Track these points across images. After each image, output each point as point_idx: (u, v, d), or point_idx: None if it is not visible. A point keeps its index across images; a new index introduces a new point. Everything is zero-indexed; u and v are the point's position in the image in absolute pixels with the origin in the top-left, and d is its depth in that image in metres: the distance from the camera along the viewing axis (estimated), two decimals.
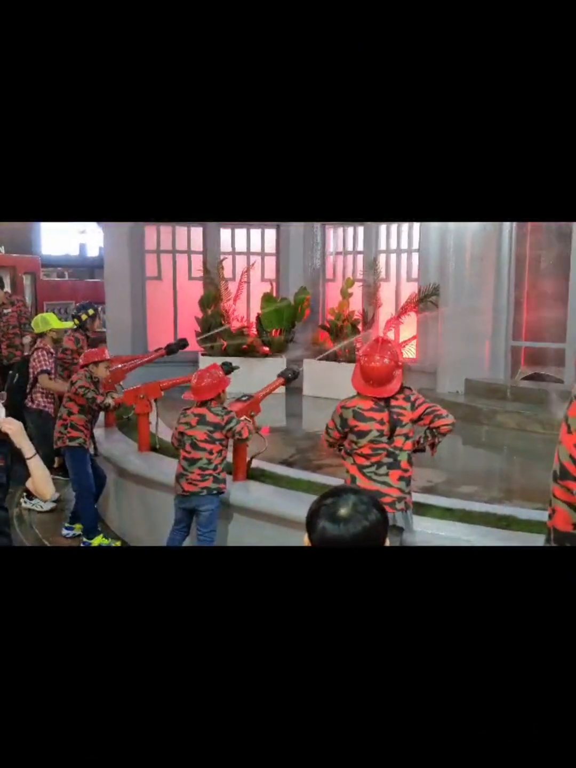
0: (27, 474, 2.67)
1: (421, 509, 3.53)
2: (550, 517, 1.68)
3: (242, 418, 4.07)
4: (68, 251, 19.38)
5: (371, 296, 8.20)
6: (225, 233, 8.93)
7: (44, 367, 5.66)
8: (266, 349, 8.34)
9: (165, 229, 8.81)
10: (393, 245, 8.31)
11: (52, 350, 5.84)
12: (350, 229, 8.72)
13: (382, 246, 8.37)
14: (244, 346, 8.15)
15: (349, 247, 8.76)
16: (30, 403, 5.74)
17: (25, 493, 5.64)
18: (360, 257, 8.53)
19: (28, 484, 2.70)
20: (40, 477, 2.65)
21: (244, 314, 8.86)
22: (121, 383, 5.59)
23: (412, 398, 3.25)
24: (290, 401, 7.33)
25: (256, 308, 8.68)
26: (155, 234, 8.81)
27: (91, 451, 5.07)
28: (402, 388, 3.25)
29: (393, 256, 8.34)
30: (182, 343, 6.53)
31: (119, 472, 5.14)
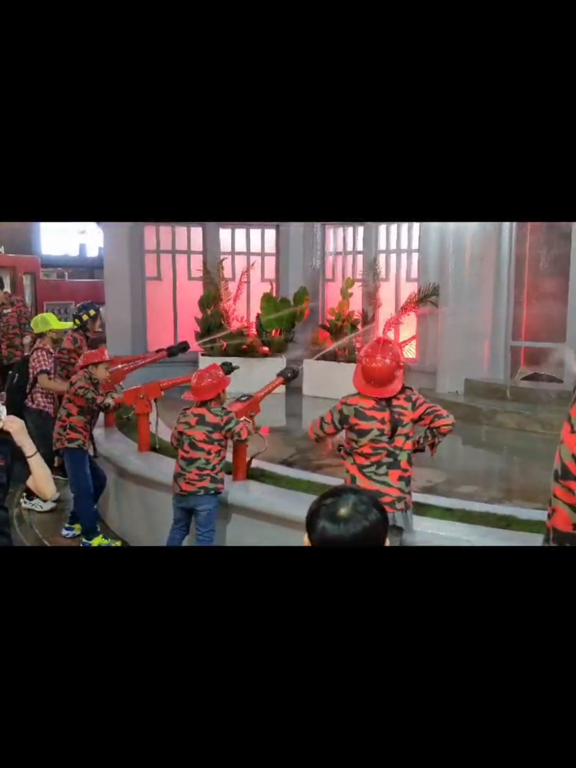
0: (27, 473, 2.67)
1: (421, 509, 3.53)
2: (549, 516, 1.68)
3: (242, 418, 4.07)
4: (68, 251, 19.36)
5: (371, 296, 8.20)
6: (225, 233, 8.93)
7: (44, 367, 5.66)
8: (266, 349, 8.34)
9: (165, 229, 8.81)
10: (393, 245, 8.31)
11: (51, 350, 5.85)
12: (350, 229, 8.72)
13: (382, 246, 8.37)
14: (244, 347, 8.15)
15: (349, 247, 8.76)
16: (30, 403, 5.74)
17: (25, 493, 5.64)
18: (360, 257, 8.54)
19: (29, 482, 2.70)
20: (41, 475, 2.65)
21: (244, 314, 8.86)
22: (121, 383, 5.59)
23: (414, 398, 3.25)
24: (290, 401, 7.33)
25: (255, 308, 8.68)
26: (155, 234, 8.81)
27: (90, 452, 5.07)
28: (403, 389, 3.25)
29: (393, 256, 8.34)
30: (183, 346, 6.53)
31: (119, 472, 5.14)
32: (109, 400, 4.96)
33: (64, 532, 5.17)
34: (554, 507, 1.63)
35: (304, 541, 1.43)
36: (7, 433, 2.59)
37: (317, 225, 8.77)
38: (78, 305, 6.62)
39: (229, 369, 4.73)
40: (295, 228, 8.87)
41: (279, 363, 8.10)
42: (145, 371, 5.95)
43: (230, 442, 4.13)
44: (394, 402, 3.21)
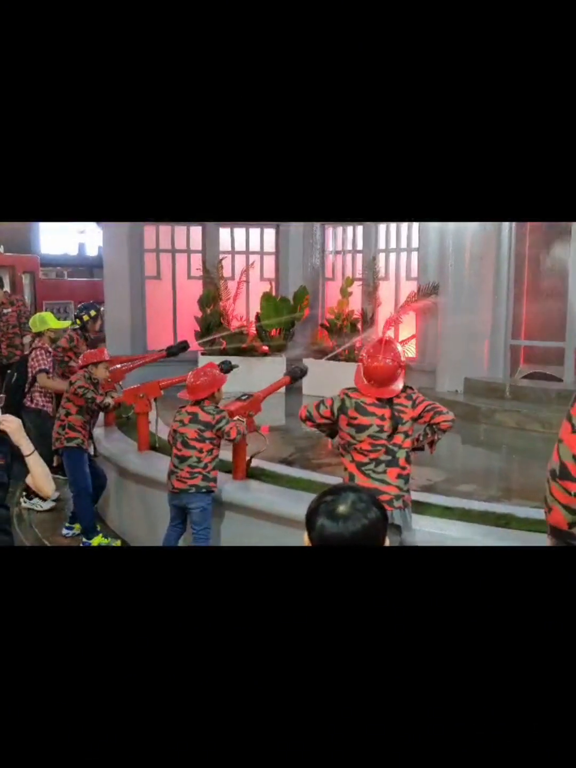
0: (27, 472, 2.68)
1: (421, 508, 3.54)
2: (546, 514, 1.68)
3: (235, 418, 4.06)
4: (67, 250, 19.37)
5: (370, 295, 8.20)
6: (224, 232, 8.93)
7: (43, 367, 5.66)
8: (266, 348, 8.34)
9: (164, 228, 8.81)
10: (392, 244, 8.31)
11: (50, 349, 5.84)
12: (349, 228, 8.72)
13: (382, 245, 8.37)
14: (244, 346, 8.15)
15: (349, 246, 8.76)
16: (29, 403, 5.73)
17: (24, 492, 5.64)
18: (359, 256, 8.54)
19: (28, 480, 2.70)
20: (39, 474, 2.65)
21: (244, 313, 8.86)
22: (120, 383, 5.59)
23: (414, 397, 3.25)
24: (290, 400, 7.33)
25: (255, 308, 8.68)
26: (154, 233, 8.81)
27: (90, 451, 5.07)
28: (404, 388, 3.25)
29: (392, 255, 8.34)
30: (183, 346, 6.53)
31: (119, 471, 5.14)
32: (108, 400, 4.96)
33: (64, 531, 5.17)
34: (550, 505, 1.63)
35: (304, 539, 1.44)
36: (5, 433, 2.59)
37: (317, 224, 8.77)
38: (79, 305, 6.63)
39: (227, 367, 4.73)
40: (295, 227, 8.86)
41: (279, 362, 8.12)
42: (145, 371, 5.96)
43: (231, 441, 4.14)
44: (395, 400, 3.21)
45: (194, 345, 7.90)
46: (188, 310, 8.75)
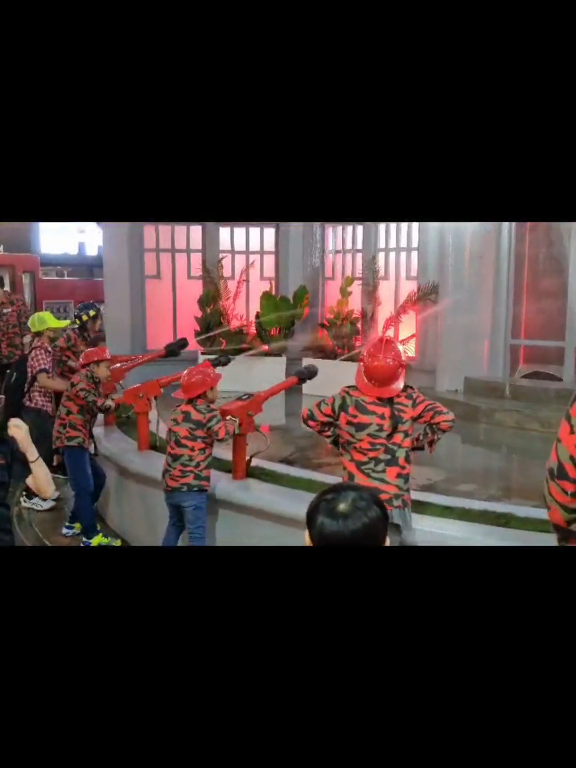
0: (27, 472, 2.69)
1: (421, 507, 3.54)
2: (548, 512, 1.69)
3: (227, 417, 4.07)
4: (67, 250, 19.37)
5: (370, 295, 8.20)
6: (224, 232, 8.92)
7: (42, 366, 5.66)
8: (266, 347, 8.34)
9: (164, 228, 8.81)
10: (392, 243, 8.31)
11: (49, 349, 5.84)
12: (349, 228, 8.72)
13: (381, 244, 8.37)
14: (244, 345, 8.15)
15: (349, 246, 8.76)
16: (28, 402, 5.74)
17: (24, 492, 5.64)
18: (359, 256, 8.54)
19: (29, 481, 2.71)
20: (42, 478, 2.68)
21: (244, 313, 8.86)
22: (120, 383, 5.60)
23: (414, 396, 3.25)
24: (290, 400, 7.33)
25: (255, 307, 8.68)
26: (154, 233, 8.81)
27: (91, 450, 5.08)
28: (404, 387, 3.26)
29: (392, 255, 8.34)
30: (182, 343, 6.53)
31: (119, 470, 5.15)
32: (109, 403, 4.97)
33: (64, 531, 5.17)
34: (549, 504, 1.64)
35: (305, 538, 1.44)
36: (13, 439, 2.61)
37: (316, 224, 8.77)
38: (78, 305, 6.63)
39: (225, 361, 4.75)
40: (295, 227, 8.86)
41: (279, 362, 8.12)
42: (146, 370, 5.96)
43: (231, 440, 4.14)
44: (395, 399, 3.22)
45: (194, 344, 7.91)
46: (188, 309, 8.75)
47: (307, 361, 8.04)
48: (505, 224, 7.00)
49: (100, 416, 5.50)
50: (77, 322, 6.35)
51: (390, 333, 7.81)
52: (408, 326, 8.05)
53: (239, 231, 9.00)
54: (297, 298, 8.51)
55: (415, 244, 8.04)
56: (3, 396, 6.05)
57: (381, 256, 8.33)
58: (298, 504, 3.56)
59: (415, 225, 7.96)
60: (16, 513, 5.59)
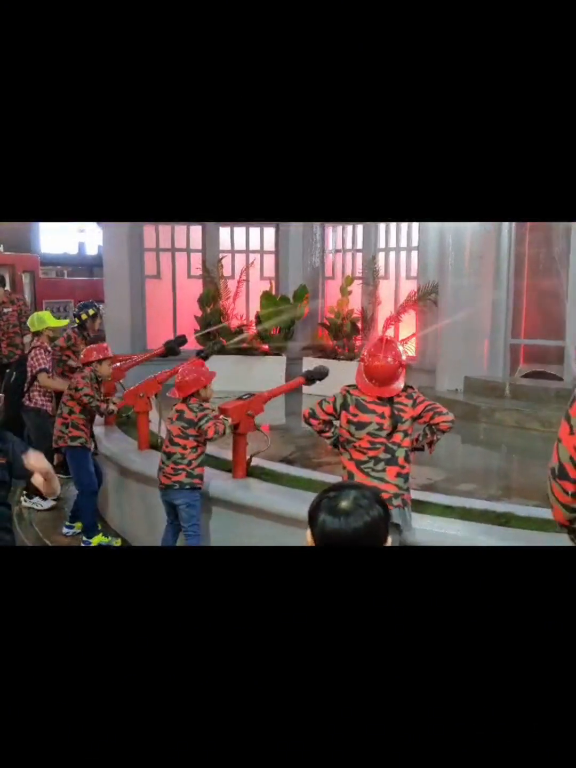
0: (29, 473, 2.69)
1: (421, 507, 3.54)
2: (552, 510, 1.70)
3: (220, 417, 4.07)
4: (67, 250, 19.37)
5: (370, 294, 8.20)
6: (224, 232, 8.93)
7: (42, 366, 5.66)
8: (266, 347, 8.35)
9: (164, 227, 8.81)
10: (392, 243, 8.32)
11: (49, 349, 5.84)
12: (349, 227, 8.72)
13: (382, 244, 8.37)
14: (244, 345, 8.15)
15: (349, 245, 8.76)
16: (28, 402, 5.73)
17: (24, 492, 5.65)
18: (359, 255, 8.54)
19: (34, 479, 2.71)
20: (52, 489, 2.69)
21: (244, 312, 8.86)
22: (121, 382, 5.59)
23: (414, 396, 3.26)
24: (290, 400, 7.32)
25: (255, 307, 8.68)
26: (154, 232, 8.81)
27: (92, 448, 5.08)
28: (405, 387, 3.26)
29: (392, 254, 8.34)
30: (181, 340, 6.52)
31: (119, 470, 5.15)
32: (112, 407, 4.97)
33: (65, 530, 5.17)
34: (552, 503, 1.65)
35: (307, 536, 1.44)
36: (8, 431, 2.62)
37: (316, 223, 8.76)
38: (78, 304, 6.63)
39: (206, 353, 4.76)
40: (295, 226, 8.86)
41: (279, 361, 8.13)
42: (146, 369, 5.95)
43: (232, 438, 4.15)
44: (395, 399, 3.22)
45: (195, 344, 7.91)
46: (188, 309, 8.75)
47: (307, 361, 8.07)
48: (505, 224, 7.00)
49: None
50: (77, 321, 6.35)
51: (390, 332, 7.82)
52: (408, 326, 8.05)
53: (239, 231, 9.00)
54: (297, 297, 8.51)
55: (415, 243, 8.05)
56: (3, 395, 6.05)
57: (381, 255, 8.33)
58: (299, 503, 3.56)
59: (415, 225, 7.96)
60: (17, 512, 5.59)
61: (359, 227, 8.54)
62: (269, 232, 9.05)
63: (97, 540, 4.85)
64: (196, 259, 8.90)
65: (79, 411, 4.85)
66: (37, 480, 2.67)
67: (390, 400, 3.21)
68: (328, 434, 3.37)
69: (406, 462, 3.24)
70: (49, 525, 5.39)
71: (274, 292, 8.76)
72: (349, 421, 3.22)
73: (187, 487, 4.00)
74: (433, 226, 7.43)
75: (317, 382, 4.44)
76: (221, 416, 4.07)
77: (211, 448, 4.63)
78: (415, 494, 3.50)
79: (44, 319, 5.88)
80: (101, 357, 4.91)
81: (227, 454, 4.39)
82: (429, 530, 3.34)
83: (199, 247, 8.94)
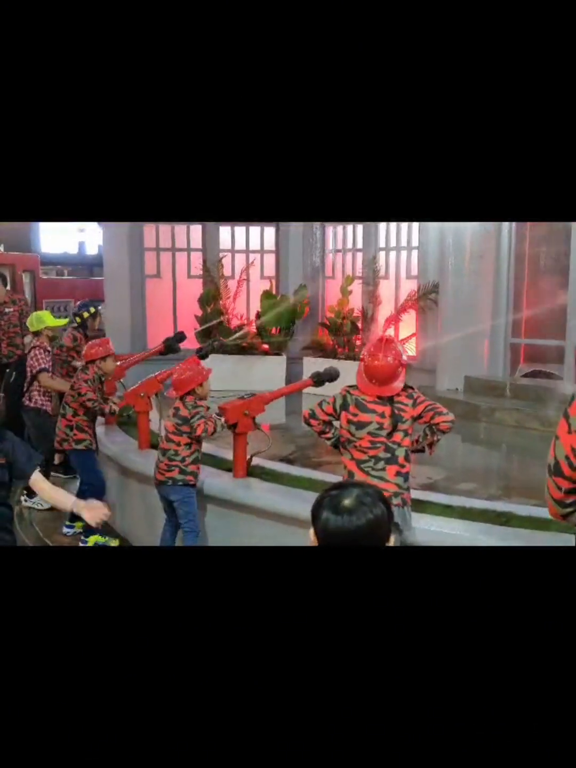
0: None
1: (421, 506, 3.54)
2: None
3: (213, 415, 4.10)
4: (67, 249, 19.36)
5: (371, 294, 8.20)
6: (224, 231, 8.93)
7: (42, 366, 5.65)
8: (266, 346, 8.35)
9: (164, 227, 8.81)
10: (392, 243, 8.31)
11: (48, 348, 5.83)
12: (350, 227, 8.72)
13: (382, 243, 8.36)
14: (244, 344, 8.15)
15: (349, 245, 8.76)
16: (27, 402, 5.73)
17: (25, 491, 5.65)
18: (359, 255, 8.53)
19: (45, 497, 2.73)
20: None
21: (244, 312, 8.86)
22: (121, 380, 5.59)
23: (414, 396, 3.26)
24: (290, 399, 7.33)
25: (255, 306, 8.68)
26: (154, 232, 8.81)
27: (96, 448, 5.08)
28: (404, 387, 3.26)
29: (392, 254, 8.33)
30: (180, 337, 6.51)
31: (120, 470, 5.15)
32: (113, 407, 4.97)
33: (65, 530, 5.17)
34: (546, 498, 1.67)
35: (310, 534, 1.44)
36: (8, 431, 2.63)
37: (317, 223, 8.76)
38: (78, 304, 6.63)
39: (205, 352, 4.78)
40: (295, 226, 8.86)
41: (279, 361, 8.13)
42: (147, 368, 5.95)
43: (232, 437, 4.15)
44: (396, 399, 3.23)
45: (194, 342, 7.91)
46: (188, 308, 8.75)
47: (308, 360, 8.07)
48: (505, 224, 7.00)
49: None
50: (78, 320, 6.34)
51: (390, 332, 7.82)
52: (408, 325, 8.05)
53: (239, 230, 9.00)
54: (297, 297, 8.51)
55: (415, 243, 8.04)
56: (2, 394, 6.05)
57: (381, 255, 8.33)
58: (299, 503, 3.56)
59: (415, 224, 7.96)
60: (17, 512, 5.59)
61: (359, 227, 8.53)
62: (269, 231, 9.05)
63: (94, 539, 4.84)
64: (197, 258, 8.90)
65: (82, 413, 4.85)
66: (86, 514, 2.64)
67: (390, 400, 3.21)
68: (329, 435, 3.37)
69: (406, 461, 3.24)
70: (49, 525, 5.39)
71: (274, 292, 8.76)
72: (349, 421, 3.22)
73: (180, 483, 4.04)
74: (434, 226, 7.42)
75: (326, 383, 4.34)
76: (214, 415, 4.11)
77: (211, 448, 4.64)
78: (415, 493, 3.50)
79: (43, 319, 5.87)
80: (105, 354, 4.90)
81: (228, 454, 4.39)
82: (429, 530, 3.34)
83: (200, 246, 8.94)
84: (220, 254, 8.81)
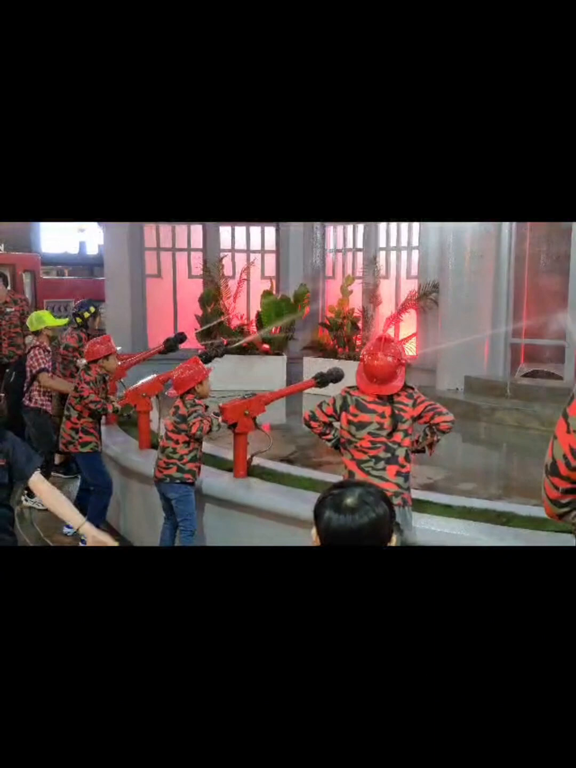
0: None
1: (421, 506, 3.54)
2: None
3: (211, 415, 4.11)
4: (68, 249, 19.35)
5: (371, 294, 8.20)
6: (225, 231, 8.94)
7: (42, 366, 5.65)
8: (266, 346, 8.35)
9: (165, 227, 8.82)
10: (393, 242, 8.32)
11: (48, 348, 5.83)
12: (350, 227, 8.73)
13: (382, 243, 8.37)
14: (244, 344, 8.16)
15: (349, 245, 8.77)
16: (28, 402, 5.73)
17: (26, 491, 5.65)
18: (360, 255, 8.54)
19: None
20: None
21: (244, 312, 8.86)
22: (122, 380, 5.59)
23: (415, 396, 3.27)
24: (291, 399, 7.33)
25: (256, 306, 8.69)
26: (155, 232, 8.82)
27: (102, 449, 5.07)
28: (405, 387, 3.27)
29: (393, 254, 8.34)
30: (180, 338, 6.51)
31: (121, 469, 5.15)
32: (116, 405, 4.97)
33: (65, 530, 5.16)
34: (542, 497, 1.67)
35: (312, 533, 1.44)
36: (9, 432, 2.63)
37: (317, 223, 8.77)
38: (77, 303, 6.62)
39: (209, 356, 4.79)
40: (295, 226, 8.87)
41: (280, 361, 8.13)
42: (147, 369, 5.95)
43: (233, 437, 4.16)
44: (395, 398, 3.23)
45: (195, 343, 7.91)
46: (189, 308, 8.76)
47: (308, 360, 8.08)
48: (505, 224, 7.00)
49: None
50: (78, 320, 6.34)
51: (390, 332, 7.82)
52: (408, 325, 8.05)
53: (240, 230, 9.00)
54: (298, 297, 8.51)
55: (415, 243, 8.05)
56: (2, 394, 6.04)
57: (382, 255, 8.33)
58: (299, 503, 3.57)
59: (415, 224, 7.96)
60: (18, 512, 5.59)
61: (360, 227, 8.54)
62: (270, 231, 9.06)
63: None
64: (197, 258, 8.91)
65: (87, 415, 4.83)
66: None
67: (390, 400, 3.22)
68: (329, 436, 3.38)
69: (407, 461, 3.25)
70: (49, 525, 5.39)
71: (274, 292, 8.76)
72: (349, 422, 3.23)
73: (178, 481, 4.06)
74: (434, 226, 7.42)
75: (330, 383, 4.31)
76: (212, 414, 4.12)
77: (211, 448, 4.64)
78: (416, 493, 3.50)
79: (43, 319, 5.86)
80: (107, 352, 4.89)
81: (228, 454, 4.39)
82: (429, 529, 3.34)
83: (200, 246, 8.95)
84: (221, 254, 8.81)
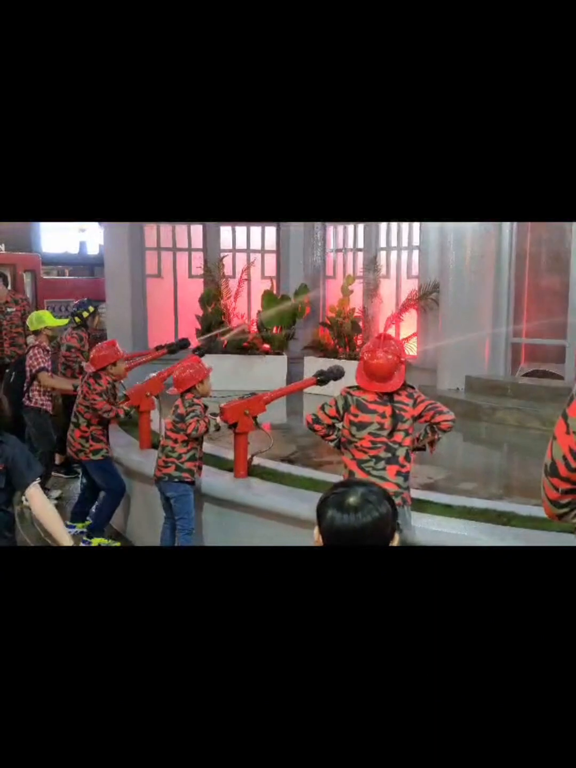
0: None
1: (422, 505, 3.54)
2: None
3: (209, 414, 4.11)
4: (68, 249, 19.35)
5: (371, 293, 8.20)
6: (225, 231, 8.94)
7: (42, 366, 5.64)
8: (267, 346, 8.35)
9: (165, 227, 8.82)
10: (393, 242, 8.32)
11: (48, 348, 5.82)
12: (350, 227, 8.73)
13: (383, 243, 8.37)
14: (245, 344, 8.16)
15: (350, 245, 8.77)
16: (27, 402, 5.73)
17: None
18: (360, 254, 8.54)
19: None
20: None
21: (245, 312, 8.86)
22: (122, 382, 5.58)
23: (415, 395, 3.27)
24: (291, 398, 7.34)
25: (256, 306, 8.69)
26: (155, 232, 8.82)
27: (112, 454, 5.04)
28: (405, 386, 3.27)
29: (393, 253, 8.34)
30: (183, 343, 6.51)
31: (122, 469, 5.14)
32: (124, 408, 4.96)
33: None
34: (541, 498, 1.66)
35: (315, 533, 1.44)
36: (10, 434, 2.63)
37: (318, 223, 8.77)
38: (76, 303, 6.61)
39: (202, 351, 4.78)
40: (296, 226, 8.87)
41: (280, 360, 8.13)
42: (148, 369, 5.95)
43: (233, 437, 4.16)
44: (396, 398, 3.24)
45: (195, 342, 7.92)
46: (189, 308, 8.76)
47: (308, 360, 8.07)
48: (506, 224, 7.00)
49: None
50: (78, 320, 6.34)
51: (391, 332, 7.82)
52: (409, 325, 8.05)
53: (240, 230, 9.01)
54: (298, 297, 8.51)
55: (416, 243, 8.04)
56: (2, 394, 6.02)
57: (382, 254, 8.33)
58: (300, 503, 3.57)
59: (416, 224, 7.96)
60: (18, 512, 5.58)
61: (360, 227, 8.54)
62: (270, 231, 9.06)
63: (98, 541, 4.84)
64: (198, 258, 8.91)
65: (96, 422, 4.79)
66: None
67: (391, 400, 3.22)
68: (332, 437, 3.38)
69: (407, 461, 3.25)
70: None
71: (275, 292, 8.76)
72: (350, 422, 3.24)
73: (176, 480, 4.06)
74: (434, 226, 7.42)
75: (332, 381, 4.35)
76: (209, 413, 4.13)
77: (212, 448, 4.64)
78: (416, 493, 3.50)
79: (43, 318, 5.86)
80: (115, 358, 4.83)
81: (229, 454, 4.39)
82: (429, 529, 3.34)
83: (201, 246, 8.95)
84: (221, 254, 8.81)
